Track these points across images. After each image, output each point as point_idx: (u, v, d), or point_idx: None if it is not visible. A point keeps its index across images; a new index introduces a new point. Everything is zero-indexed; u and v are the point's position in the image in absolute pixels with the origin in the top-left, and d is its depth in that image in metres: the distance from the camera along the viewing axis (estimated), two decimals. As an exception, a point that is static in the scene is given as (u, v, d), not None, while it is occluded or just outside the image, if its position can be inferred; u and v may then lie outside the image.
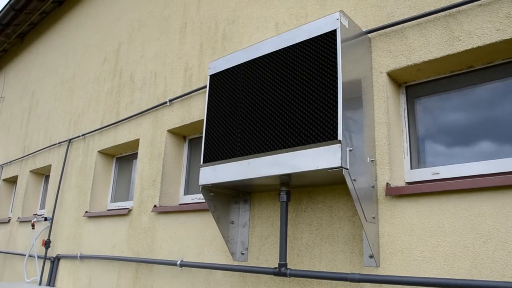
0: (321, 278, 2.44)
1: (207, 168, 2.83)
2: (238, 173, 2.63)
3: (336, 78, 2.30)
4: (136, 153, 4.70)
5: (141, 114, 4.35)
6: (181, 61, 4.10)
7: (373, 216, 2.41)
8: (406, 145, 2.64)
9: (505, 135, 2.33)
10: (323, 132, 2.27)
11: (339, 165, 2.17)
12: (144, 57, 4.62)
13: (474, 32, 2.30)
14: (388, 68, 2.59)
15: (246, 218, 3.11)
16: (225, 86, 2.88)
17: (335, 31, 2.40)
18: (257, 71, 2.71)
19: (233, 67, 2.89)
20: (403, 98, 2.72)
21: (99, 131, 4.92)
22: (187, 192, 3.99)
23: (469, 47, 2.30)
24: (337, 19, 2.41)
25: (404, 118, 2.69)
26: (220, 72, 2.98)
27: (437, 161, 2.55)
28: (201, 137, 4.00)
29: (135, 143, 4.47)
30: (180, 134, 4.08)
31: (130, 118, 4.48)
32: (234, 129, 2.73)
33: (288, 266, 2.75)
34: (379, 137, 2.54)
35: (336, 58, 2.34)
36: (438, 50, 2.41)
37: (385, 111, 2.55)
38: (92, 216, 4.61)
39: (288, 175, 2.45)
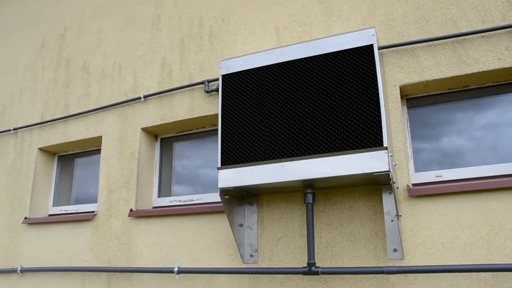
0: (354, 273, 2.62)
1: (229, 171, 2.78)
2: (270, 176, 2.65)
3: (377, 88, 2.52)
4: (92, 151, 4.24)
5: (102, 109, 3.95)
6: (155, 55, 3.86)
7: (399, 214, 2.69)
8: (410, 150, 2.99)
9: (492, 143, 2.84)
10: (368, 138, 2.46)
11: (387, 169, 2.39)
12: (102, 47, 4.20)
13: (479, 59, 2.75)
14: (401, 83, 2.91)
15: (253, 220, 3.12)
16: (245, 87, 2.87)
17: (372, 45, 2.62)
18: (287, 75, 2.77)
19: (255, 69, 2.89)
20: (405, 109, 3.08)
21: (39, 125, 4.29)
22: (160, 194, 3.78)
23: (475, 71, 2.75)
24: (373, 35, 2.63)
25: (407, 127, 3.04)
26: (236, 73, 2.94)
27: (434, 166, 2.96)
28: (181, 136, 3.84)
29: (95, 141, 4.04)
30: (152, 132, 3.84)
31: (87, 113, 4.03)
32: (261, 132, 2.74)
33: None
34: (396, 144, 2.84)
35: (375, 70, 2.55)
36: (448, 71, 2.81)
37: (401, 121, 2.87)
38: (35, 223, 4.00)
39: (327, 179, 2.58)
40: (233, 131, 2.83)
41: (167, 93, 3.68)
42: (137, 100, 3.79)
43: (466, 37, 2.81)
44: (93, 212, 3.78)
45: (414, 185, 2.90)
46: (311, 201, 2.79)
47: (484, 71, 2.73)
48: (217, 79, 3.46)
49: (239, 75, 2.93)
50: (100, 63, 4.17)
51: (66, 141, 4.09)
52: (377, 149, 2.43)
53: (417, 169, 2.99)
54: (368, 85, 2.54)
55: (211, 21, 3.71)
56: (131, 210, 3.53)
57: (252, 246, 3.07)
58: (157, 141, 3.91)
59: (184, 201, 3.62)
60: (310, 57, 2.76)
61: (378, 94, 2.51)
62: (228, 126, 2.86)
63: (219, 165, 2.82)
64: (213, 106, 3.46)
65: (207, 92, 3.46)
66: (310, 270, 2.69)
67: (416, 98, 3.08)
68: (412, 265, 2.61)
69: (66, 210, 4.12)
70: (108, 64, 4.11)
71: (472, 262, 2.50)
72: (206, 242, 3.22)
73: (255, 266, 3.01)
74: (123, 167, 3.69)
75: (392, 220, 2.74)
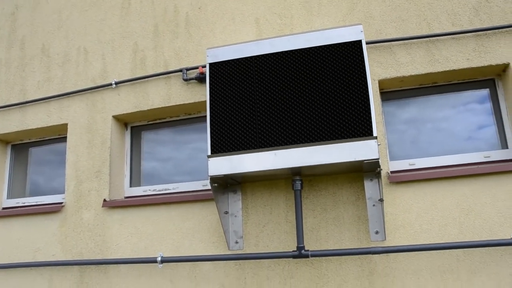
0: (342, 255, 2.78)
1: (220, 159, 2.79)
2: (263, 163, 2.71)
3: (366, 81, 2.68)
4: (53, 139, 3.96)
5: (67, 96, 3.72)
6: (126, 40, 3.71)
7: (383, 198, 2.89)
8: (385, 141, 3.21)
9: (456, 135, 3.15)
10: (359, 128, 2.61)
11: (376, 157, 2.56)
12: (64, 29, 3.93)
13: (450, 58, 3.03)
14: (380, 77, 3.11)
15: (237, 207, 3.16)
16: (235, 76, 2.88)
17: (360, 41, 2.77)
18: (279, 66, 2.83)
19: (245, 58, 2.92)
20: (381, 102, 3.30)
21: (-10, 111, 3.92)
22: (132, 184, 3.67)
23: (447, 69, 3.02)
24: (361, 32, 2.79)
25: (382, 118, 3.26)
26: (226, 61, 2.95)
27: (404, 155, 3.22)
28: (153, 124, 3.74)
29: (58, 129, 3.78)
30: (122, 120, 3.70)
31: (49, 99, 3.76)
32: (253, 121, 2.78)
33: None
34: (378, 134, 3.03)
35: (364, 64, 2.71)
36: (422, 68, 3.05)
37: (380, 113, 3.07)
38: (-15, 217, 3.67)
39: (315, 167, 2.70)
40: (223, 119, 2.83)
41: (141, 80, 3.56)
42: (107, 87, 3.63)
43: (438, 37, 3.08)
44: (61, 203, 3.57)
45: (392, 172, 3.13)
46: (299, 188, 2.90)
47: (454, 70, 3.01)
48: (196, 68, 3.43)
49: (229, 64, 2.94)
50: (61, 46, 3.91)
51: (23, 128, 3.79)
52: (367, 139, 2.59)
53: (391, 158, 3.23)
54: (357, 78, 2.69)
55: (187, 8, 3.65)
56: (104, 200, 3.38)
57: (237, 233, 3.12)
58: (127, 129, 3.77)
59: (159, 191, 3.55)
60: (301, 49, 2.85)
61: (367, 86, 2.67)
62: (217, 114, 2.86)
63: (209, 153, 2.82)
64: (192, 95, 3.43)
65: (185, 80, 3.42)
66: (300, 253, 2.81)
67: (390, 92, 3.30)
68: (393, 245, 2.83)
69: (24, 203, 3.83)
70: (71, 47, 3.87)
71: (446, 240, 2.77)
72: (188, 231, 3.19)
73: (241, 252, 3.06)
74: (93, 156, 3.52)
75: (373, 205, 2.94)
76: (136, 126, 3.78)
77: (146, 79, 3.55)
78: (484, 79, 3.17)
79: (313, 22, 3.35)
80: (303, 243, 2.81)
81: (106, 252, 3.31)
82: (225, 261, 3.07)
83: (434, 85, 3.24)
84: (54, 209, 3.48)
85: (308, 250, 2.82)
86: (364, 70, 2.70)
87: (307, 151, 2.66)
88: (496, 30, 2.99)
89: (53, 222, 3.50)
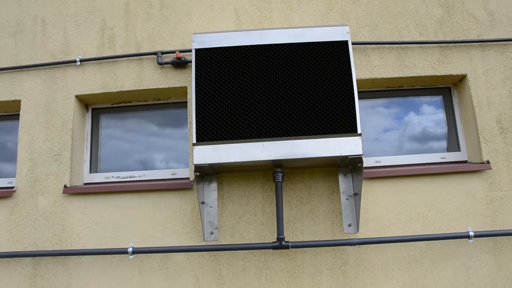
0: (321, 246, 2.88)
1: (206, 147, 2.74)
2: (251, 154, 2.72)
3: (352, 81, 2.81)
4: (3, 117, 3.53)
5: (21, 69, 3.33)
6: (92, 16, 3.44)
7: (357, 193, 3.05)
8: (354, 139, 3.38)
9: (413, 136, 3.43)
10: (345, 125, 2.73)
11: (361, 153, 2.71)
12: (18, -5, 3.52)
13: (417, 65, 3.28)
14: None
15: (213, 198, 3.11)
16: (224, 64, 2.84)
17: (347, 41, 2.89)
18: (268, 58, 2.84)
19: (234, 47, 2.88)
20: (351, 102, 3.46)
21: None
22: (92, 169, 3.41)
23: (414, 75, 3.27)
24: (348, 32, 2.91)
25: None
26: (214, 49, 2.89)
27: (370, 152, 3.42)
28: (118, 107, 3.51)
29: (8, 105, 3.37)
30: (84, 101, 3.43)
31: (-2, 71, 3.35)
32: (242, 111, 2.77)
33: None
34: (351, 131, 3.19)
35: (350, 64, 2.84)
36: (393, 71, 3.27)
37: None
38: None
39: (297, 160, 2.77)
40: (209, 107, 2.77)
41: (109, 60, 3.33)
42: (70, 64, 3.33)
43: (408, 45, 3.32)
44: (11, 188, 3.20)
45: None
46: (280, 180, 2.94)
47: (420, 76, 3.28)
48: (172, 52, 3.30)
49: (217, 51, 2.88)
50: (13, 13, 3.50)
51: (-37, 102, 3.34)
52: (353, 135, 2.72)
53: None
54: (344, 77, 2.80)
55: (163, -11, 3.49)
56: (65, 186, 3.12)
57: (212, 224, 3.07)
58: (88, 111, 3.50)
59: (123, 178, 3.35)
60: (291, 44, 2.89)
61: (352, 85, 2.80)
62: (203, 102, 2.79)
63: (195, 141, 2.74)
64: (166, 79, 3.29)
65: (159, 64, 3.27)
66: (281, 244, 2.86)
67: (360, 92, 3.48)
68: (364, 237, 3.01)
69: (-40, 186, 3.37)
70: (26, 16, 3.48)
71: (411, 233, 3.01)
72: (160, 221, 3.07)
73: (216, 243, 3.02)
74: (52, 137, 3.21)
75: (347, 199, 3.09)
76: (98, 108, 3.53)
77: (116, 59, 3.33)
78: (442, 87, 3.49)
79: (292, 18, 3.41)
80: (283, 235, 2.87)
81: (66, 243, 3.06)
82: (199, 252, 3.01)
83: (399, 88, 3.49)
84: (3, 194, 3.12)
85: (288, 242, 2.88)
86: (350, 69, 2.82)
87: (294, 144, 2.71)
88: (456, 44, 3.31)
89: (1, 209, 3.13)
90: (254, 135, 2.73)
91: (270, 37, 2.91)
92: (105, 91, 3.28)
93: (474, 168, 3.08)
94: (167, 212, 3.09)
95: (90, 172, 3.41)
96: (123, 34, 3.40)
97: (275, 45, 2.88)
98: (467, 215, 3.03)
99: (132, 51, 3.35)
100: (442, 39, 3.33)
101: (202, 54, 2.87)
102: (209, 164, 2.74)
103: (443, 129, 3.46)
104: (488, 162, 3.08)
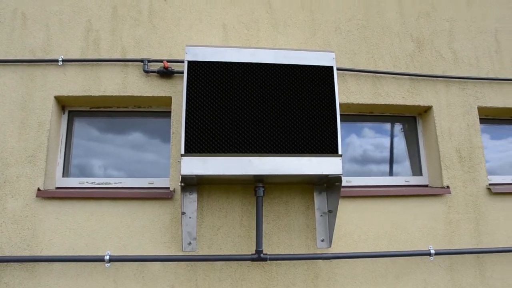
0: (299, 259, 3.01)
1: (195, 159, 2.78)
2: (237, 168, 2.79)
3: (335, 105, 2.99)
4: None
5: (-4, 64, 3.18)
6: (78, 16, 3.36)
7: (329, 210, 3.21)
8: (328, 158, 3.57)
9: (380, 160, 3.69)
10: (327, 146, 2.89)
11: (341, 173, 2.88)
12: (-4, -14, 3.36)
13: (390, 94, 3.54)
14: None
15: (192, 208, 3.13)
16: (216, 79, 2.90)
17: (332, 67, 3.07)
18: (259, 76, 2.95)
19: (226, 63, 2.95)
20: (326, 123, 3.65)
21: None
22: (64, 174, 3.30)
23: (387, 103, 3.52)
24: (333, 59, 3.09)
25: (327, 138, 3.61)
26: (206, 62, 2.94)
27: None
28: (96, 112, 3.44)
29: (-21, 101, 3.18)
30: (61, 102, 3.32)
31: (-31, 64, 3.15)
32: (231, 126, 2.84)
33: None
34: (327, 151, 3.36)
35: (334, 89, 3.02)
36: (368, 98, 3.50)
37: (331, 132, 3.41)
38: None
39: (278, 176, 2.89)
40: (199, 120, 2.82)
41: (93, 63, 3.27)
42: (51, 63, 3.23)
43: (382, 74, 3.58)
44: (-22, 188, 3.02)
45: (330, 186, 3.49)
46: (262, 195, 3.04)
47: (392, 104, 3.54)
48: (159, 61, 3.31)
49: (210, 65, 2.94)
50: (-9, 4, 3.34)
51: None
52: (334, 155, 2.89)
53: (331, 174, 3.60)
54: (328, 101, 2.97)
55: (152, -3, 3.50)
56: (39, 189, 2.99)
57: (191, 234, 3.09)
58: (64, 113, 3.40)
59: (98, 184, 3.28)
60: (280, 64, 3.01)
61: (335, 109, 2.98)
62: (194, 114, 2.83)
63: (183, 152, 2.78)
64: (151, 88, 3.29)
65: (145, 71, 3.27)
66: (259, 256, 2.94)
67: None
68: (336, 252, 3.17)
69: None
70: (4, 8, 3.33)
71: (378, 250, 3.22)
72: (137, 229, 3.04)
73: (194, 254, 3.05)
74: (27, 137, 3.08)
75: (321, 215, 3.25)
76: (75, 111, 3.44)
77: (100, 62, 3.28)
78: (409, 116, 3.78)
79: (278, 39, 3.56)
80: (262, 247, 2.96)
81: (36, 249, 2.93)
82: (176, 262, 3.02)
83: (370, 114, 3.74)
84: (-31, 194, 2.95)
85: (266, 254, 2.97)
86: (334, 94, 3.00)
87: (280, 161, 2.83)
88: (425, 77, 3.62)
89: (-35, 210, 2.95)
90: (242, 150, 2.82)
91: (261, 56, 3.02)
92: (88, 94, 3.22)
93: (435, 192, 3.37)
94: (145, 221, 3.07)
95: (63, 176, 3.31)
96: (109, 38, 3.36)
97: (266, 64, 3.00)
98: (428, 234, 3.30)
99: (118, 56, 3.32)
100: (412, 71, 3.62)
101: (195, 66, 2.92)
102: (196, 176, 2.79)
103: (406, 155, 3.75)
104: (448, 187, 3.38)
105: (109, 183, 3.30)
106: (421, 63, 3.67)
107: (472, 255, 3.29)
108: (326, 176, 2.89)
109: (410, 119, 3.80)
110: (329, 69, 3.07)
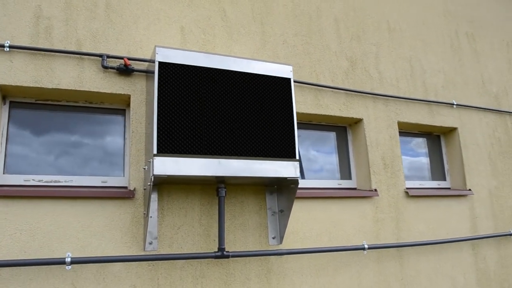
0: (257, 255, 3.22)
1: (167, 159, 2.82)
2: (208, 169, 2.91)
3: (293, 114, 3.28)
4: None
5: None
6: (28, 1, 3.10)
7: (281, 209, 3.47)
8: (274, 161, 3.83)
9: (313, 164, 4.09)
10: (286, 151, 3.17)
11: (298, 176, 3.19)
12: None
13: (329, 106, 3.96)
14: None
15: (153, 208, 3.13)
16: (187, 82, 2.97)
17: (290, 79, 3.35)
18: (227, 82, 3.09)
19: (195, 67, 3.03)
20: (272, 129, 3.91)
21: None
22: (6, 170, 3.01)
23: (326, 114, 3.92)
24: (291, 71, 3.38)
25: (274, 143, 3.88)
26: (176, 64, 2.98)
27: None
28: (44, 104, 3.19)
29: None
30: (1, 91, 3.03)
31: None
32: (200, 128, 2.94)
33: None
34: (278, 155, 3.63)
35: (291, 100, 3.31)
36: (311, 108, 3.87)
37: (281, 138, 3.69)
38: None
39: (239, 177, 3.08)
40: (172, 121, 2.86)
41: (45, 53, 3.06)
42: (-3, 48, 2.94)
43: (322, 88, 3.98)
44: None
45: (276, 188, 3.76)
46: (223, 195, 3.19)
47: (331, 115, 3.96)
48: (119, 57, 3.23)
49: (178, 68, 2.98)
50: None
51: None
52: (292, 160, 3.18)
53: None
54: (287, 110, 3.25)
55: (109, -10, 3.39)
56: (-16, 187, 2.71)
57: (152, 234, 3.09)
58: (5, 104, 3.10)
59: (46, 182, 3.07)
60: (247, 73, 3.19)
61: (293, 118, 3.27)
62: (165, 115, 2.86)
63: (155, 152, 2.79)
64: (109, 84, 3.20)
65: (104, 67, 3.17)
66: (223, 254, 3.09)
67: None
68: (287, 248, 3.45)
69: None
70: None
71: (320, 245, 3.59)
72: (97, 229, 2.93)
73: (155, 253, 3.05)
74: (-33, 130, 2.76)
75: (272, 214, 3.51)
76: (18, 102, 3.16)
77: (53, 53, 3.08)
78: (341, 126, 4.25)
79: (232, 46, 3.73)
80: (224, 245, 3.10)
81: (-21, 252, 2.65)
82: (137, 262, 2.99)
83: (309, 122, 4.12)
84: None
85: (228, 252, 3.12)
86: (292, 103, 3.29)
87: (247, 163, 3.02)
88: (357, 93, 4.13)
89: None
90: (212, 152, 2.94)
91: (227, 63, 3.16)
92: (39, 86, 2.99)
93: (367, 194, 3.87)
94: (105, 221, 2.98)
95: (4, 173, 3.02)
96: (63, 28, 3.17)
97: (235, 72, 3.15)
98: (360, 231, 3.78)
99: (73, 48, 3.16)
100: (347, 87, 4.10)
101: (166, 68, 2.95)
102: (168, 176, 2.83)
103: (337, 161, 4.22)
104: (376, 190, 3.92)
105: (59, 181, 3.12)
106: (354, 80, 4.17)
107: (394, 249, 3.86)
108: (285, 178, 3.16)
109: (341, 129, 4.28)
110: (288, 80, 3.35)
